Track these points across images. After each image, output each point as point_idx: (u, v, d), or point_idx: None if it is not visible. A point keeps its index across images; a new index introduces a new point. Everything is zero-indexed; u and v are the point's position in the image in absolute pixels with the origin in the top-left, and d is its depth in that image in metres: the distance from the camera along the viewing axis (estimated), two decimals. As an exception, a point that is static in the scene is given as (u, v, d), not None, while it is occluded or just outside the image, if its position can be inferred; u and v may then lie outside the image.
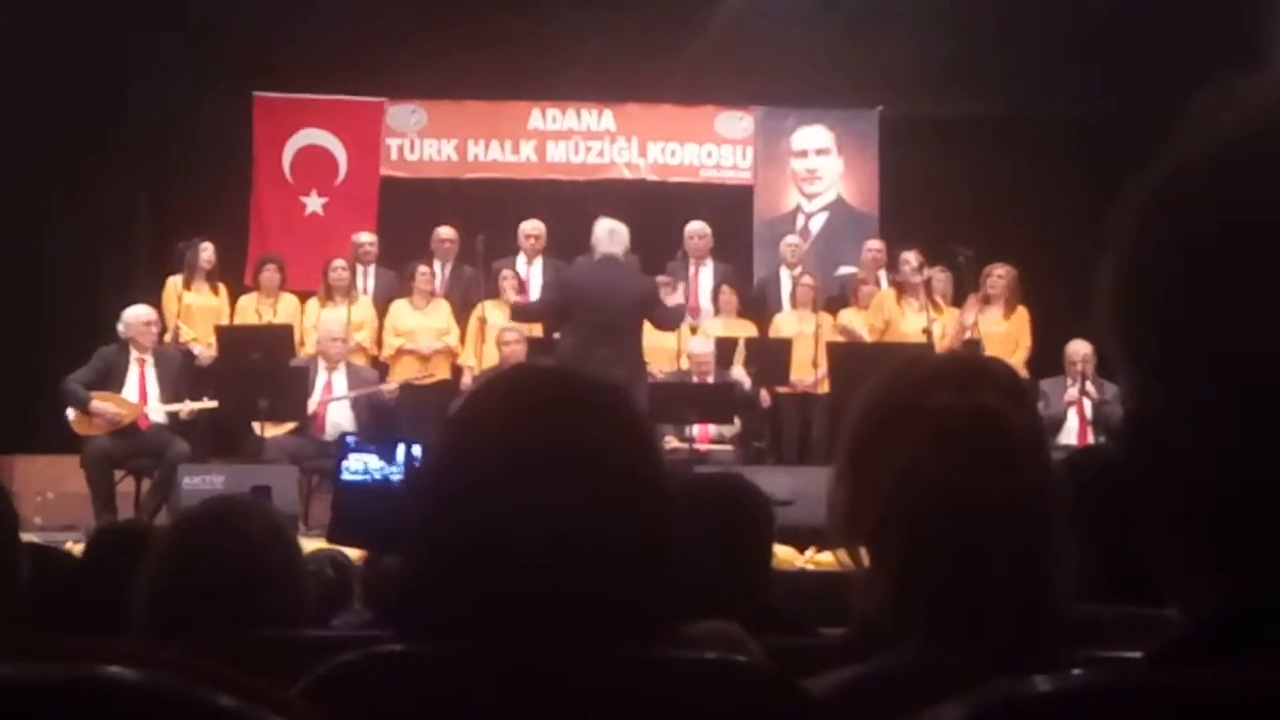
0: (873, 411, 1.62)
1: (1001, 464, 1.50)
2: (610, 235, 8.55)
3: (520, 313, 9.27)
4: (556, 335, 8.77)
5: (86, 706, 0.74)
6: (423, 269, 10.48)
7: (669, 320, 8.86)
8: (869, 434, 1.61)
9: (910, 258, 9.83)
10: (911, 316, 9.76)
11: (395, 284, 10.69)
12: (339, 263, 10.44)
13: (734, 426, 9.61)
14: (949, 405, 1.53)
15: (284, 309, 10.40)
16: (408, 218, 11.57)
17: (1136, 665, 0.79)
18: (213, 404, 9.14)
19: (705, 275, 10.90)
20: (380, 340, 10.41)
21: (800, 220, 12.27)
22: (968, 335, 9.69)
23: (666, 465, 1.56)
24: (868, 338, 9.92)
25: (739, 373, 9.83)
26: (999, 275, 9.91)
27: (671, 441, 9.02)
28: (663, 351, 9.94)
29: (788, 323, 10.29)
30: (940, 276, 10.15)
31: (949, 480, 1.50)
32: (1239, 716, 0.70)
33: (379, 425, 9.32)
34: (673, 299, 8.89)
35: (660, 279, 10.28)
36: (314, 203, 12.10)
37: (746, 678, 1.45)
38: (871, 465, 1.58)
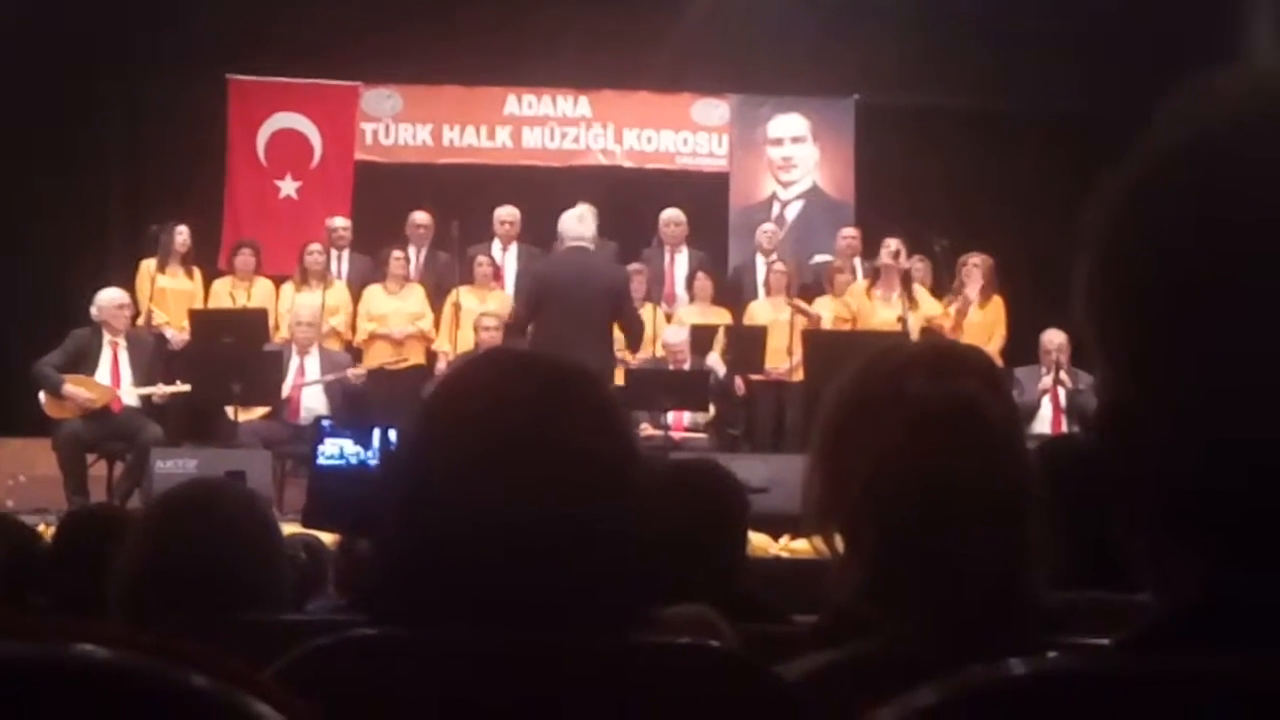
0: (848, 399, 1.62)
1: (978, 452, 1.51)
2: (579, 220, 8.49)
3: (513, 325, 8.99)
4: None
5: (60, 685, 0.74)
6: (397, 254, 10.45)
7: (633, 323, 8.62)
8: (844, 421, 1.61)
9: (891, 243, 9.84)
10: (883, 309, 9.76)
11: (369, 269, 10.66)
12: (314, 247, 10.41)
13: (708, 414, 9.61)
14: (925, 393, 1.54)
15: (258, 293, 10.37)
16: (382, 202, 11.53)
17: (1110, 651, 0.79)
18: (185, 388, 9.09)
19: (680, 262, 10.89)
20: (354, 325, 10.38)
21: (776, 208, 12.28)
22: (971, 310, 9.73)
23: (641, 452, 1.56)
24: (826, 322, 9.96)
25: (714, 360, 9.83)
26: (974, 264, 9.94)
27: (646, 429, 9.02)
28: (638, 338, 9.95)
29: (762, 310, 10.30)
30: (919, 266, 10.17)
31: (925, 468, 1.50)
32: (1209, 702, 0.71)
33: (351, 410, 9.29)
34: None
35: (632, 267, 10.27)
36: (288, 186, 12.06)
37: (720, 663, 1.45)
38: (847, 453, 1.58)
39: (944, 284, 10.14)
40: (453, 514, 1.41)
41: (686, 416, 9.58)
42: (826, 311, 10.05)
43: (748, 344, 9.84)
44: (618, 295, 8.40)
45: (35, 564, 3.27)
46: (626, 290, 8.65)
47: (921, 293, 9.99)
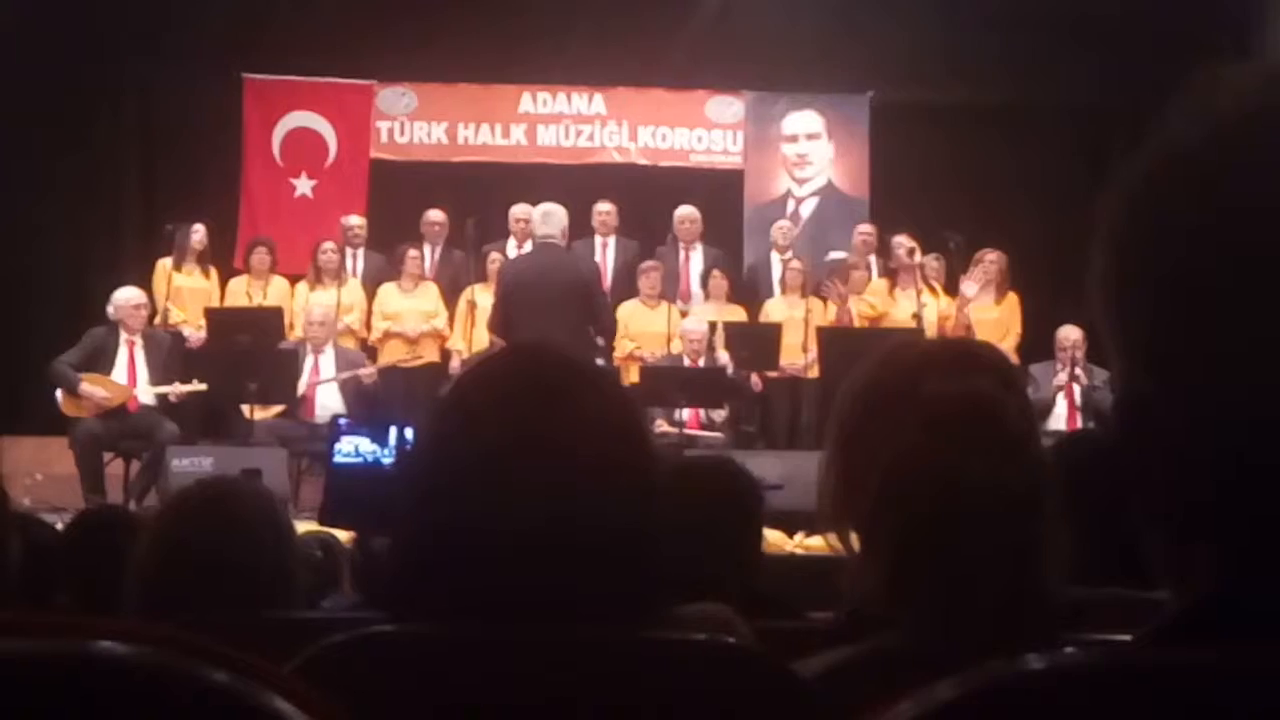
0: (863, 396, 1.62)
1: (993, 449, 1.50)
2: (545, 218, 8.51)
3: (491, 327, 8.90)
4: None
5: (79, 682, 0.74)
6: (412, 252, 10.47)
7: (602, 314, 8.60)
8: (860, 419, 1.61)
9: (902, 241, 9.84)
10: (903, 302, 9.76)
11: (384, 267, 10.68)
12: (328, 245, 10.43)
13: (723, 411, 9.61)
14: (940, 391, 1.53)
15: (274, 291, 10.38)
16: (397, 200, 11.54)
17: (1129, 645, 0.79)
18: (202, 386, 9.12)
19: (695, 260, 10.89)
20: (369, 323, 10.40)
21: (791, 205, 12.25)
22: (970, 308, 9.70)
23: (655, 449, 1.56)
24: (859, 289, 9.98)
25: (725, 357, 9.83)
26: (990, 260, 9.92)
27: (661, 425, 9.01)
28: (653, 336, 9.94)
29: (777, 308, 10.29)
30: (934, 265, 10.16)
31: (940, 466, 1.50)
32: (1228, 696, 0.71)
33: (365, 408, 9.30)
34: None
35: (647, 264, 10.27)
36: (303, 185, 12.07)
37: (737, 659, 1.45)
38: (862, 450, 1.58)
39: (958, 280, 10.13)
40: (467, 511, 1.42)
41: (702, 413, 9.58)
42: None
43: (762, 341, 9.83)
44: (585, 286, 8.38)
45: (54, 562, 3.28)
46: (595, 282, 8.63)
47: (936, 289, 9.98)
